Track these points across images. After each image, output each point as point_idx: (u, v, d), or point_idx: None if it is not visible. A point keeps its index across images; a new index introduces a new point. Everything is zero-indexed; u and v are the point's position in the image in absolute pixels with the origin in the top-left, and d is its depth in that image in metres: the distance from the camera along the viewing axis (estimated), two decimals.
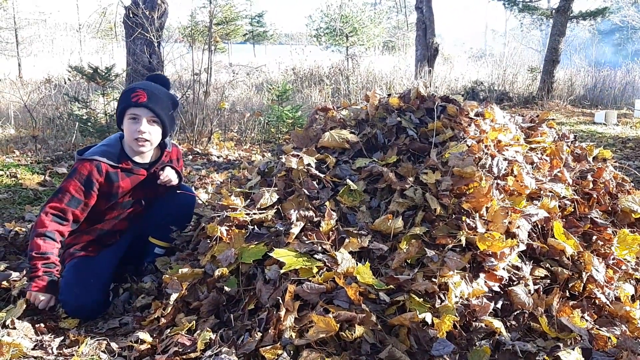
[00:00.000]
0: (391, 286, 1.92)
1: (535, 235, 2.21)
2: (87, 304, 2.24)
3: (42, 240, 2.21)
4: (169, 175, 2.52)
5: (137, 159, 2.45)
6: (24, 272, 2.54)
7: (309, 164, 2.41)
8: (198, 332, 1.91)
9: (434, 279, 1.92)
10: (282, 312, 1.83)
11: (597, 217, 2.37)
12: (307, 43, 20.79)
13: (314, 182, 2.37)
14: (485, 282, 1.99)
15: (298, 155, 2.45)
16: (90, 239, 2.44)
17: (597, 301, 2.07)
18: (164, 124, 2.41)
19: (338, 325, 1.73)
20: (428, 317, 1.80)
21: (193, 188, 4.05)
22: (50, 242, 2.23)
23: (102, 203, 2.41)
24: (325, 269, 1.97)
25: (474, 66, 16.66)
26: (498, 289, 2.00)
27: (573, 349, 1.72)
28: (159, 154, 2.54)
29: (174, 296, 2.07)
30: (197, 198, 2.81)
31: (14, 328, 2.05)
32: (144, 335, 1.94)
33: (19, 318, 2.13)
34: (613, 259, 2.23)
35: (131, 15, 6.96)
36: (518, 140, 2.62)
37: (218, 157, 5.86)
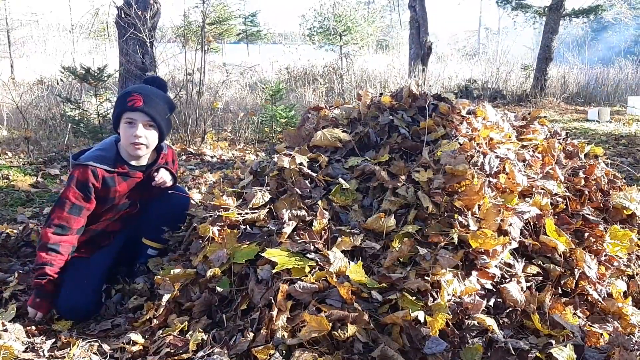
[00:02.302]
0: (384, 285, 1.91)
1: (527, 232, 2.21)
2: (80, 305, 2.23)
3: (45, 253, 2.23)
4: (163, 176, 2.52)
5: (133, 162, 2.45)
6: (16, 274, 2.53)
7: (301, 163, 2.40)
8: (190, 332, 1.90)
9: (426, 277, 1.92)
10: (275, 312, 1.82)
11: (589, 214, 2.38)
12: (300, 42, 20.79)
13: (307, 182, 2.37)
14: (478, 279, 1.99)
15: (290, 155, 2.44)
16: (83, 239, 2.43)
17: (589, 298, 2.08)
18: (160, 128, 2.41)
19: (330, 324, 1.73)
20: (421, 315, 1.79)
21: (186, 188, 4.04)
22: (53, 255, 2.24)
23: (99, 207, 2.41)
24: (317, 268, 1.97)
25: (468, 64, 16.71)
26: (490, 287, 2.00)
27: (565, 346, 1.72)
28: (155, 156, 2.54)
29: (166, 297, 2.06)
30: (191, 199, 2.80)
31: (6, 330, 2.04)
32: (136, 337, 1.94)
33: (10, 320, 2.13)
34: (605, 255, 2.23)
35: (123, 16, 6.93)
36: (510, 137, 2.63)
37: (212, 157, 5.85)
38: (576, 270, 2.10)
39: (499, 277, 2.03)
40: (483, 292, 1.98)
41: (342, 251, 2.05)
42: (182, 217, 2.66)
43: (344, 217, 2.26)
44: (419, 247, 2.03)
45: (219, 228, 2.22)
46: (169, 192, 2.58)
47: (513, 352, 1.71)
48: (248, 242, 2.16)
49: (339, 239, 2.09)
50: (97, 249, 2.46)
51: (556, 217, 2.32)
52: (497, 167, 2.35)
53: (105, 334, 2.12)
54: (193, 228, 2.45)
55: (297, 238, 2.12)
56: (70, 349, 1.93)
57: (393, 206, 2.23)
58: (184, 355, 1.79)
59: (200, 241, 2.26)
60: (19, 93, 7.99)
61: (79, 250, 2.41)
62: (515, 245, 2.10)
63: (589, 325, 1.93)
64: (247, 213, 2.28)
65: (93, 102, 6.44)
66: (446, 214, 2.16)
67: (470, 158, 2.34)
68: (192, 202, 2.83)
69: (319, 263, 1.98)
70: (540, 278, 2.10)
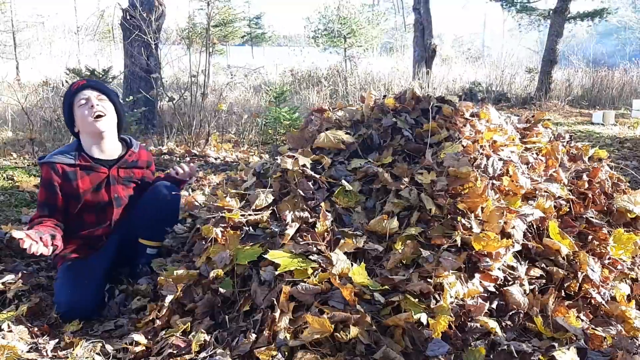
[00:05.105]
0: (386, 287, 1.92)
1: (530, 235, 2.21)
2: (81, 304, 2.25)
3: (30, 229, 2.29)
4: (183, 168, 2.69)
5: (96, 153, 2.46)
6: (19, 274, 2.54)
7: (304, 165, 2.41)
8: (193, 333, 1.91)
9: (429, 280, 1.92)
10: (277, 314, 1.83)
11: (592, 217, 2.37)
12: (305, 45, 20.79)
13: (310, 183, 2.37)
14: (481, 282, 1.99)
15: (293, 156, 2.44)
16: (78, 243, 2.45)
17: (592, 301, 2.07)
18: (114, 103, 2.47)
19: (333, 326, 1.73)
20: (423, 317, 1.79)
21: (190, 190, 4.06)
22: (35, 225, 2.32)
23: (71, 204, 2.43)
24: (320, 270, 1.97)
25: (472, 67, 16.69)
26: (493, 289, 2.00)
27: (568, 349, 1.72)
28: (123, 152, 2.54)
29: (169, 298, 2.07)
30: (193, 198, 2.80)
31: (10, 331, 2.05)
32: (138, 337, 1.94)
33: (14, 321, 2.13)
34: (609, 258, 2.23)
35: (129, 18, 6.95)
36: (513, 140, 2.62)
37: (216, 159, 5.86)
38: (579, 273, 2.10)
39: (502, 279, 2.02)
40: (486, 295, 1.98)
41: (345, 253, 2.05)
42: (175, 213, 2.65)
43: (347, 218, 2.27)
44: (421, 249, 2.03)
45: (222, 229, 2.23)
46: (156, 187, 2.55)
47: (516, 355, 1.71)
48: (251, 244, 2.17)
49: (342, 241, 2.09)
50: (92, 250, 2.48)
51: (560, 219, 2.31)
52: (500, 170, 2.35)
53: (109, 334, 2.13)
54: (196, 229, 2.46)
55: (300, 240, 2.12)
56: (73, 349, 1.94)
57: (396, 208, 2.23)
58: (187, 356, 1.79)
59: (204, 242, 2.27)
60: (24, 94, 8.04)
61: (76, 252, 2.43)
62: (518, 247, 2.10)
63: (592, 328, 1.92)
64: (250, 214, 2.28)
65: None
66: (449, 216, 2.16)
67: (473, 160, 2.34)
68: (196, 203, 2.83)
69: (322, 265, 1.98)
70: (544, 281, 2.10)
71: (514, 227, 2.12)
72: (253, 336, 1.81)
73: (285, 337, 1.77)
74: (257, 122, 7.26)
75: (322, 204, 2.26)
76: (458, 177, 2.24)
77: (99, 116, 2.38)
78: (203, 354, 1.78)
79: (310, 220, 2.21)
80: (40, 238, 2.14)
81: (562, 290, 2.09)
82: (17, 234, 2.10)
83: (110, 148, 2.50)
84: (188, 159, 5.79)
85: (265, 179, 2.53)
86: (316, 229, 2.15)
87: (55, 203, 2.38)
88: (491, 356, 1.75)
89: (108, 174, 2.48)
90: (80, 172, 2.41)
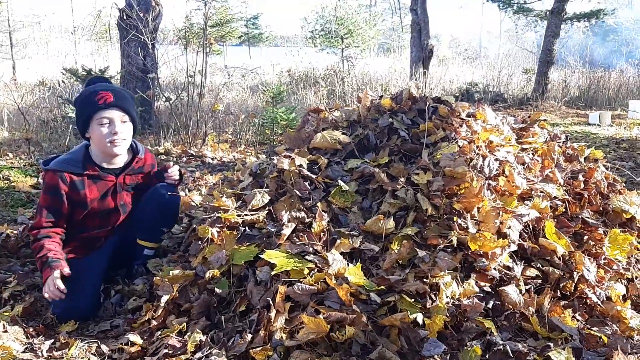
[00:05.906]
0: (382, 287, 1.92)
1: (526, 235, 2.21)
2: (78, 305, 2.24)
3: (39, 241, 2.29)
4: (174, 171, 2.60)
5: (104, 164, 2.43)
6: (15, 275, 2.53)
7: (300, 165, 2.41)
8: (189, 334, 1.90)
9: (425, 280, 1.92)
10: (273, 314, 1.83)
11: (588, 217, 2.38)
12: (302, 45, 20.81)
13: (306, 183, 2.37)
14: (477, 282, 1.99)
15: (290, 157, 2.44)
16: (76, 244, 2.44)
17: (588, 301, 2.07)
18: (133, 122, 2.40)
19: (329, 326, 1.73)
20: (419, 317, 1.80)
21: (187, 190, 4.05)
22: (45, 239, 2.29)
23: (77, 211, 2.40)
24: (316, 270, 1.97)
25: (469, 68, 16.72)
26: (489, 289, 2.00)
27: (564, 349, 1.72)
28: (130, 159, 2.51)
29: (164, 298, 2.06)
30: (189, 198, 2.79)
31: (5, 331, 2.04)
32: (134, 338, 1.94)
33: (9, 321, 2.13)
34: (604, 258, 2.23)
35: (125, 18, 6.94)
36: (509, 140, 2.63)
37: (212, 159, 5.85)
38: (575, 273, 2.10)
39: (497, 279, 2.03)
40: (482, 295, 1.98)
41: (341, 253, 2.05)
42: (174, 215, 2.64)
43: (343, 219, 2.26)
44: (417, 250, 2.03)
45: (218, 229, 2.22)
46: (156, 189, 2.53)
47: (511, 355, 1.71)
48: (247, 244, 2.17)
49: (338, 241, 2.09)
50: (91, 250, 2.47)
51: (555, 220, 2.32)
52: (496, 170, 2.35)
53: (104, 334, 2.12)
54: (192, 229, 2.46)
55: (296, 240, 2.12)
56: (69, 350, 1.93)
57: (392, 208, 2.23)
58: (182, 357, 1.79)
59: (200, 242, 2.26)
60: (20, 94, 8.02)
61: (73, 252, 2.42)
62: (514, 248, 2.10)
63: (587, 328, 1.93)
64: (246, 214, 2.28)
65: None
66: (445, 216, 2.16)
67: (469, 161, 2.34)
68: (192, 203, 2.82)
69: (318, 265, 1.98)
70: (539, 281, 2.10)
71: (510, 228, 2.12)
72: (249, 336, 1.81)
73: (281, 337, 1.77)
74: (254, 122, 7.26)
75: (319, 204, 2.26)
76: (454, 177, 2.24)
77: (119, 141, 2.34)
78: (199, 354, 1.78)
79: (307, 220, 2.21)
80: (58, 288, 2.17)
81: (558, 290, 2.10)
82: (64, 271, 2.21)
83: (120, 160, 2.48)
84: (185, 159, 5.79)
85: (261, 179, 2.53)
86: (312, 229, 2.15)
87: (60, 210, 2.35)
88: (487, 356, 1.75)
89: (115, 182, 2.45)
90: (88, 181, 2.38)
